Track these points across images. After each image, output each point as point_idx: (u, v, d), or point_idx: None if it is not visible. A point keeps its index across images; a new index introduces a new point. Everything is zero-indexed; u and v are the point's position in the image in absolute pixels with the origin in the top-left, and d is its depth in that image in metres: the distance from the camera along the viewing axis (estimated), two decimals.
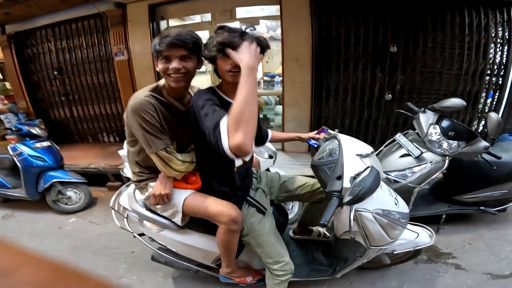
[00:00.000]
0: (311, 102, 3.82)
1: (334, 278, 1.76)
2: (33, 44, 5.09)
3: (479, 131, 3.75)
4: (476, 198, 2.39)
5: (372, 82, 3.65)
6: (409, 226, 1.63)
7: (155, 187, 1.44)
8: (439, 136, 2.20)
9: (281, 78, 4.13)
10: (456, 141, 2.17)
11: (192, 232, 1.65)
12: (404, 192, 2.18)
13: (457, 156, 2.19)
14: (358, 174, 1.24)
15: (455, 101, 2.22)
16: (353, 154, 1.37)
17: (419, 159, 2.20)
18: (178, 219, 1.50)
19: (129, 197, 1.73)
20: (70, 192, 3.24)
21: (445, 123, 2.26)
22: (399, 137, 2.40)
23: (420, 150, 2.22)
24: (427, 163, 2.18)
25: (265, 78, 5.41)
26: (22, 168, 3.14)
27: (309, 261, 1.84)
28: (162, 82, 1.41)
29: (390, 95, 3.61)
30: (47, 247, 2.62)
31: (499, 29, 3.43)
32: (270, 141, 1.86)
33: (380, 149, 2.51)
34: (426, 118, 2.30)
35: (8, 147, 3.27)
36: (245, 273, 1.72)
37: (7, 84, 5.98)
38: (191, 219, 1.54)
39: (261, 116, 5.11)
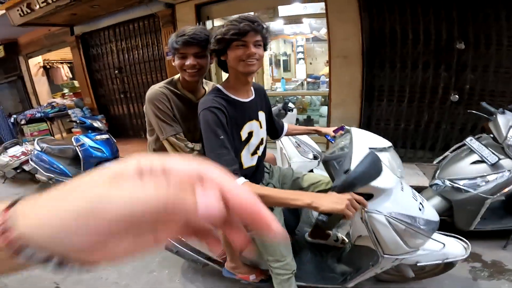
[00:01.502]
0: (361, 102, 3.58)
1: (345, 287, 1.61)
2: (97, 45, 5.62)
3: None
4: None
5: (435, 82, 3.29)
6: (437, 236, 1.42)
7: None
8: None
9: (327, 79, 3.97)
10: None
11: None
12: (473, 204, 1.94)
13: None
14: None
15: None
16: (365, 147, 1.21)
17: (495, 166, 1.91)
18: None
19: None
20: None
21: None
22: (471, 141, 2.10)
23: (497, 156, 1.92)
24: (504, 171, 1.89)
25: (309, 79, 5.23)
26: (83, 158, 3.41)
27: (321, 267, 1.72)
28: (177, 76, 1.52)
29: (457, 96, 3.20)
30: None
31: None
32: (286, 135, 1.77)
33: (445, 154, 2.24)
34: (505, 120, 1.99)
35: (72, 138, 3.59)
36: (249, 271, 1.68)
37: (76, 83, 6.66)
38: None
39: (304, 117, 5.00)
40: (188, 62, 1.36)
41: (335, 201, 1.00)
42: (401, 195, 1.28)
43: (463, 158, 2.07)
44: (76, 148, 3.46)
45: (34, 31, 6.04)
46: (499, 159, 1.90)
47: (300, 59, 7.08)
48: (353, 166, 1.12)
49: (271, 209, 1.42)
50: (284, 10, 4.25)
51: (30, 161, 3.81)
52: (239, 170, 1.15)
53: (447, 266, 1.61)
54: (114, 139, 3.72)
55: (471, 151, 2.05)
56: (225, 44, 1.16)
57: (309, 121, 4.94)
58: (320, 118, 5.00)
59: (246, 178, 1.20)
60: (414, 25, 3.24)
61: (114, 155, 3.54)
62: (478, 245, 2.15)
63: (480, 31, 3.06)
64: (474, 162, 2.00)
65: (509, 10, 2.94)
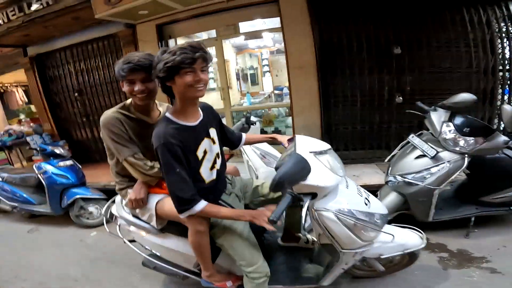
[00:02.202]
0: (320, 110, 3.81)
1: (322, 286, 1.70)
2: (54, 66, 5.38)
3: (501, 128, 3.62)
4: (505, 198, 2.25)
5: (380, 85, 3.62)
6: (389, 228, 1.56)
7: (132, 192, 1.61)
8: (453, 134, 2.11)
9: (286, 94, 4.14)
10: (473, 138, 2.07)
11: (171, 235, 1.71)
12: (423, 195, 2.13)
13: (476, 153, 2.09)
14: None
15: (465, 96, 2.14)
16: (307, 152, 1.35)
17: (435, 159, 2.11)
18: (154, 222, 1.62)
19: (117, 205, 1.87)
20: (91, 208, 3.37)
21: (458, 119, 2.17)
22: (412, 138, 2.33)
23: (435, 149, 2.12)
24: (444, 162, 2.09)
25: (275, 91, 5.48)
26: (47, 185, 3.32)
27: (295, 268, 1.80)
28: (129, 101, 1.60)
29: (401, 98, 3.55)
30: (69, 258, 2.76)
31: (502, 24, 3.41)
32: (246, 143, 1.87)
33: (394, 152, 2.45)
34: (437, 116, 2.23)
35: (34, 166, 3.48)
36: (224, 278, 1.71)
37: (32, 107, 6.33)
38: (170, 222, 1.65)
39: (272, 129, 5.17)
40: (137, 88, 1.45)
41: (253, 216, 1.33)
42: (346, 193, 1.42)
43: (408, 154, 2.29)
44: (39, 175, 3.36)
45: None
46: (437, 152, 2.11)
47: (266, 72, 7.34)
48: None
49: None
50: (244, 26, 4.43)
51: None
52: (197, 195, 1.33)
53: (412, 257, 1.74)
54: (79, 165, 3.64)
55: (414, 147, 2.27)
56: (174, 71, 1.22)
57: (277, 133, 5.07)
58: (287, 129, 5.18)
59: (209, 190, 1.40)
60: (356, 34, 3.57)
61: (81, 181, 3.47)
62: (442, 235, 2.33)
63: (411, 35, 3.45)
64: (418, 157, 2.21)
65: (434, 15, 3.39)
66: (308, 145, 1.43)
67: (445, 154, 2.11)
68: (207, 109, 1.56)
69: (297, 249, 1.95)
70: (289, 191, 1.23)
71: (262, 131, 4.85)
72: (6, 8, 3.97)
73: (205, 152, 1.44)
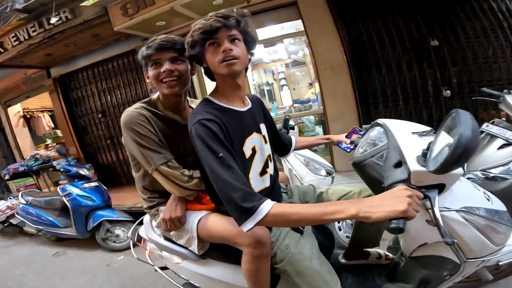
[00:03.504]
0: (358, 112, 3.57)
1: None
2: (77, 87, 5.43)
3: None
4: None
5: (423, 80, 3.37)
6: None
7: (165, 210, 1.27)
8: None
9: (315, 98, 3.93)
10: None
11: (215, 262, 1.37)
12: None
13: None
14: (430, 149, 0.88)
15: None
16: (409, 133, 1.04)
17: None
18: (194, 247, 1.26)
19: (146, 226, 1.57)
20: (118, 230, 3.25)
21: None
22: (487, 127, 2.01)
23: None
24: None
25: (296, 105, 5.26)
26: (72, 208, 3.24)
27: None
28: (155, 95, 1.31)
29: (448, 91, 3.26)
30: (96, 285, 2.62)
31: None
32: (295, 149, 1.59)
33: None
34: None
35: (58, 189, 3.44)
36: None
37: (58, 132, 6.42)
38: (212, 246, 1.30)
39: None
40: (165, 67, 1.17)
41: (392, 203, 0.75)
42: (463, 186, 1.09)
43: (487, 145, 1.97)
44: (63, 198, 3.29)
45: (10, 76, 5.89)
46: None
47: (283, 85, 7.11)
48: (407, 155, 0.92)
49: (301, 232, 1.20)
50: (262, 34, 4.29)
51: (16, 215, 3.78)
52: (255, 193, 0.91)
53: None
54: (104, 187, 3.57)
55: (492, 136, 1.96)
56: (200, 47, 1.03)
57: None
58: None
59: (264, 195, 0.98)
60: (386, 29, 3.41)
61: (106, 203, 3.39)
62: None
63: (445, 26, 3.28)
64: (501, 147, 1.90)
65: (463, 4, 3.24)
66: (405, 127, 1.11)
67: None
68: (257, 101, 1.29)
69: (366, 266, 1.57)
70: (407, 184, 0.85)
71: None
72: (26, 24, 4.00)
73: (254, 151, 1.13)
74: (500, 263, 1.19)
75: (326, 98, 3.70)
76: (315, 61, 3.65)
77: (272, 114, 5.04)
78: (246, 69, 1.14)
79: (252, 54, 1.14)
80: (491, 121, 2.07)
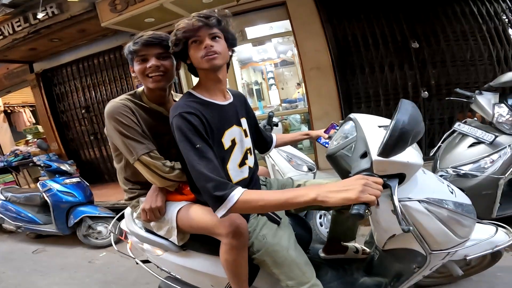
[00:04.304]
0: (341, 111, 3.64)
1: None
2: (60, 83, 5.34)
3: None
4: None
5: (403, 81, 3.48)
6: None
7: (145, 200, 1.28)
8: (509, 115, 1.92)
9: (301, 97, 3.99)
10: None
11: (195, 253, 1.38)
12: (487, 187, 1.89)
13: None
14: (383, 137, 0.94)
15: None
16: (375, 126, 1.09)
17: (494, 145, 1.90)
18: (174, 238, 1.27)
19: (127, 219, 1.55)
20: (100, 227, 3.19)
21: (511, 100, 1.99)
22: (459, 126, 2.12)
23: (493, 134, 1.92)
24: (505, 147, 1.87)
25: (283, 104, 5.33)
26: (52, 204, 3.17)
27: (349, 283, 1.48)
28: (140, 89, 1.34)
29: (426, 92, 3.39)
30: (77, 281, 2.57)
31: (510, 15, 3.45)
32: (276, 146, 1.63)
33: (438, 145, 2.23)
34: (486, 100, 2.03)
35: (38, 184, 3.37)
36: None
37: (40, 127, 6.26)
38: (193, 237, 1.31)
39: None
40: (150, 63, 1.20)
41: (345, 189, 0.79)
42: (427, 179, 1.14)
43: (458, 144, 2.06)
44: (43, 194, 3.21)
45: None
46: (496, 136, 1.90)
47: (271, 85, 7.17)
48: (371, 146, 0.97)
49: (277, 223, 1.24)
50: (251, 33, 4.33)
51: None
52: (227, 182, 0.96)
53: (495, 256, 1.47)
54: (86, 183, 3.50)
55: (464, 135, 2.05)
56: (183, 45, 1.09)
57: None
58: None
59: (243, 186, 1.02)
60: (370, 30, 3.50)
61: (88, 199, 3.32)
62: None
63: (426, 29, 3.39)
64: (471, 145, 1.99)
65: (444, 8, 3.35)
66: (373, 121, 1.16)
67: (503, 138, 1.90)
68: (240, 97, 1.33)
69: (345, 261, 1.62)
70: (368, 173, 0.91)
71: None
72: (11, 19, 3.93)
73: (234, 143, 1.18)
74: (467, 258, 1.26)
75: (311, 97, 3.77)
76: (302, 61, 3.71)
77: (259, 113, 5.09)
78: (228, 65, 1.21)
79: (233, 51, 1.21)
80: (463, 121, 2.17)
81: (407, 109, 0.84)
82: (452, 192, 1.13)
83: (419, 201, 1.04)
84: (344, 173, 1.15)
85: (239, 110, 1.25)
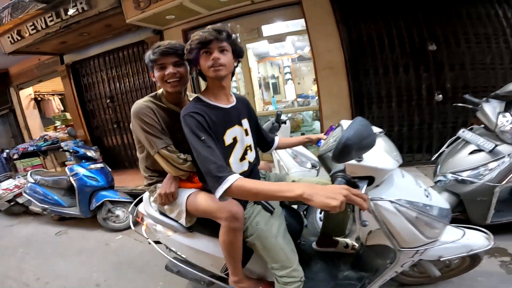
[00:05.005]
0: (352, 111, 3.66)
1: None
2: (88, 74, 5.66)
3: None
4: None
5: (418, 83, 3.44)
6: (454, 228, 1.37)
7: (162, 186, 1.50)
8: None
9: (314, 95, 4.03)
10: None
11: (200, 235, 1.58)
12: (482, 194, 1.93)
13: None
14: None
15: None
16: None
17: (493, 153, 1.92)
18: (183, 220, 1.50)
19: (144, 202, 1.76)
20: (118, 211, 3.37)
21: None
22: (464, 132, 2.14)
23: (493, 143, 1.93)
24: (504, 156, 1.89)
25: (299, 99, 5.37)
26: (77, 187, 3.37)
27: (334, 275, 1.60)
28: (160, 91, 1.54)
29: (441, 96, 3.33)
30: (93, 263, 2.75)
31: None
32: (278, 148, 1.77)
33: (441, 150, 2.26)
34: (492, 108, 2.03)
35: (66, 169, 3.57)
36: (254, 284, 1.55)
37: (68, 115, 6.64)
38: (199, 221, 1.52)
39: (299, 134, 5.02)
40: (168, 71, 1.40)
41: (328, 196, 0.88)
42: (403, 182, 1.24)
43: (460, 150, 2.09)
44: (70, 178, 3.42)
45: (24, 61, 6.13)
46: (496, 145, 1.92)
47: (288, 79, 7.20)
48: None
49: (271, 212, 1.40)
50: (267, 30, 4.40)
51: (23, 194, 3.86)
52: (227, 168, 1.11)
53: (474, 260, 1.53)
54: (109, 168, 3.70)
55: (466, 142, 2.08)
56: (195, 53, 1.25)
57: None
58: (315, 133, 5.01)
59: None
60: (387, 31, 3.46)
61: (110, 184, 3.51)
62: (500, 239, 2.07)
63: (446, 31, 3.30)
64: (472, 152, 2.02)
65: (468, 10, 3.24)
66: None
67: (504, 148, 1.91)
68: (243, 101, 1.51)
69: (335, 254, 1.75)
70: (342, 175, 1.06)
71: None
72: (44, 14, 4.21)
73: (235, 140, 1.35)
74: (442, 259, 1.33)
75: (323, 96, 3.80)
76: (315, 60, 3.75)
77: (272, 109, 5.20)
78: (233, 74, 1.38)
79: (239, 62, 1.37)
80: (469, 128, 2.18)
81: (354, 126, 0.99)
82: (427, 196, 1.22)
83: (390, 201, 1.14)
84: (329, 172, 1.28)
85: (241, 112, 1.42)
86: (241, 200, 1.36)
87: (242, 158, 1.39)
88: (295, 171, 2.20)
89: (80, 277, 2.52)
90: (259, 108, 5.22)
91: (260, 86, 7.11)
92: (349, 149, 0.96)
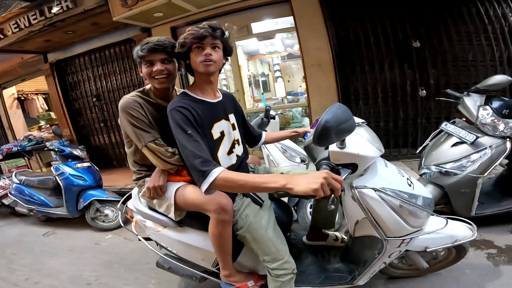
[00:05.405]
0: None
1: (356, 286, 1.53)
2: (73, 72, 5.55)
3: None
4: None
5: (402, 80, 3.53)
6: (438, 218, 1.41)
7: (150, 180, 1.50)
8: (492, 117, 1.97)
9: (303, 91, 4.07)
10: None
11: (190, 229, 1.57)
12: (465, 185, 1.98)
13: None
14: None
15: (500, 78, 2.01)
16: None
17: (475, 145, 1.98)
18: (172, 214, 1.49)
19: (133, 198, 1.75)
20: (107, 210, 3.32)
21: (496, 103, 2.04)
22: (446, 125, 2.20)
23: (475, 135, 1.99)
24: (486, 148, 1.95)
25: (289, 96, 5.44)
26: (64, 187, 3.30)
27: (324, 268, 1.63)
28: (148, 86, 1.55)
29: (424, 91, 3.42)
30: (83, 262, 2.70)
31: None
32: (266, 142, 1.79)
33: (425, 143, 2.32)
34: (472, 101, 2.10)
35: (52, 168, 3.48)
36: (245, 277, 1.55)
37: (52, 114, 6.48)
38: (189, 215, 1.52)
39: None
40: (156, 68, 1.40)
41: (309, 181, 0.91)
42: (386, 172, 1.28)
43: (442, 143, 2.15)
44: (56, 177, 3.35)
45: (7, 60, 5.96)
46: (477, 137, 1.98)
47: (278, 77, 7.24)
48: None
49: (260, 205, 1.42)
50: (257, 28, 4.42)
51: (9, 195, 3.77)
52: (213, 162, 1.11)
53: (459, 252, 1.56)
54: (96, 167, 3.64)
55: (449, 135, 2.14)
56: (187, 48, 1.26)
57: None
58: None
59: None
60: (373, 29, 3.54)
61: (97, 183, 3.46)
62: (486, 232, 2.14)
63: (429, 29, 3.40)
64: (454, 145, 2.07)
65: (450, 9, 3.35)
66: None
67: (485, 139, 1.97)
68: (229, 96, 1.53)
69: (325, 247, 1.78)
70: (326, 162, 1.09)
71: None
72: (27, 12, 4.11)
73: (222, 134, 1.37)
74: (428, 249, 1.38)
75: (311, 92, 3.86)
76: (303, 57, 3.80)
77: (262, 105, 5.23)
78: (220, 70, 1.40)
79: (227, 59, 1.41)
80: (451, 121, 2.25)
81: (332, 111, 1.03)
82: (410, 185, 1.26)
83: (374, 189, 1.18)
84: (315, 162, 1.31)
85: (227, 107, 1.44)
86: (230, 193, 1.37)
87: (230, 152, 1.41)
88: (285, 165, 2.23)
89: (71, 275, 2.48)
90: (249, 105, 5.24)
91: (250, 84, 7.11)
92: (328, 131, 0.99)
